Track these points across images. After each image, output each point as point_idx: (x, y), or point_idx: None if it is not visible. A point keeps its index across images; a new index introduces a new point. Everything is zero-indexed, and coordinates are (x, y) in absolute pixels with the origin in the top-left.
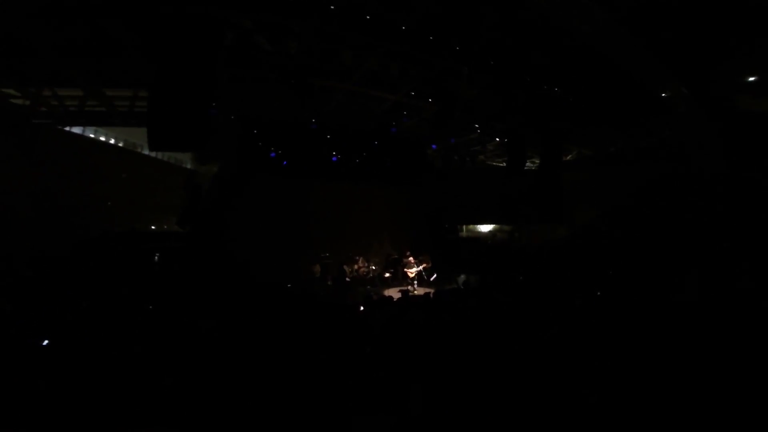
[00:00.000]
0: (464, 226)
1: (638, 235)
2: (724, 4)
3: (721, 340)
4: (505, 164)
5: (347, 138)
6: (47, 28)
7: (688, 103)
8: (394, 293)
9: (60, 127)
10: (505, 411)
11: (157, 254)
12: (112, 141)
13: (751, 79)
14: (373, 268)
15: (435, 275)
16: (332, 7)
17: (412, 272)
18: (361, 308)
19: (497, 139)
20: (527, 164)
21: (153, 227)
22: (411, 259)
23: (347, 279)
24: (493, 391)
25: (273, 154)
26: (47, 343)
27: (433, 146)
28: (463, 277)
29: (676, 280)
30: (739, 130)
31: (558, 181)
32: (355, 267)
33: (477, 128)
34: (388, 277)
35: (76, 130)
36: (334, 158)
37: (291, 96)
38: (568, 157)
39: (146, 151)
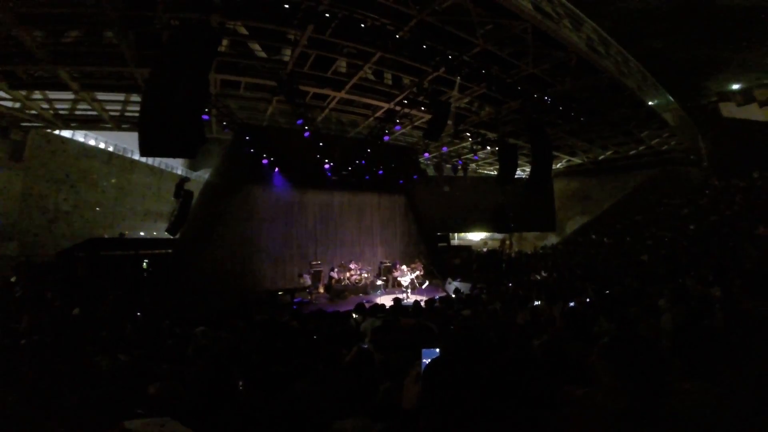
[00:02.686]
0: (456, 234)
1: (628, 243)
2: (711, 17)
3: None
4: (496, 173)
5: (340, 145)
6: (41, 32)
7: (676, 112)
8: (386, 301)
9: (49, 130)
10: (495, 414)
11: (146, 261)
12: (102, 145)
13: (735, 87)
14: (366, 275)
15: (426, 282)
16: (327, 15)
17: (405, 280)
18: (354, 315)
19: (488, 148)
20: (518, 173)
21: (142, 233)
22: (404, 267)
23: (339, 286)
24: (483, 395)
25: (265, 162)
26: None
27: (426, 154)
28: (454, 284)
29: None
30: (724, 138)
31: (549, 190)
32: (348, 274)
33: (469, 137)
34: (380, 285)
35: (66, 133)
36: (326, 166)
37: (285, 103)
38: (558, 166)
39: (137, 156)
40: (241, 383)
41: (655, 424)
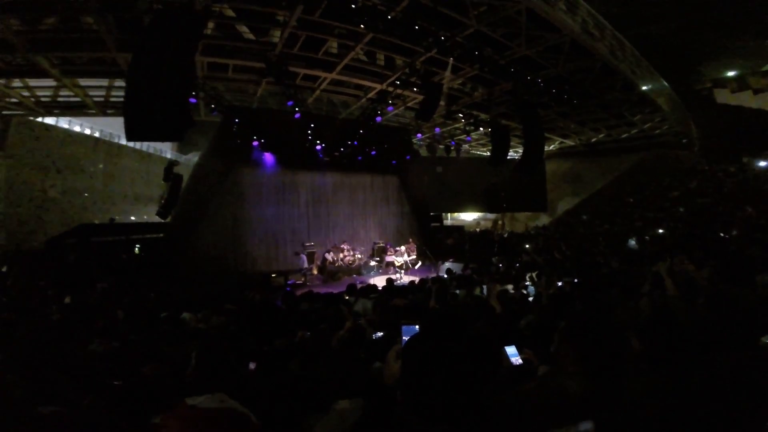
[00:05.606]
0: (449, 214)
1: (617, 224)
2: (711, 3)
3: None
4: (488, 153)
5: (332, 127)
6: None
7: (669, 97)
8: (380, 282)
9: (32, 117)
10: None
11: (138, 246)
12: (88, 131)
13: (731, 74)
14: (359, 256)
15: (420, 263)
16: None
17: (399, 261)
18: (346, 297)
19: (481, 129)
20: (510, 154)
21: (133, 218)
22: (402, 248)
23: (333, 268)
24: (459, 370)
25: (256, 144)
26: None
27: (418, 135)
28: (446, 265)
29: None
30: (716, 123)
31: (541, 171)
32: (341, 255)
33: (461, 118)
34: (374, 265)
35: (50, 120)
36: (318, 147)
37: (274, 84)
38: (551, 147)
39: (124, 141)
40: (252, 364)
41: (611, 409)
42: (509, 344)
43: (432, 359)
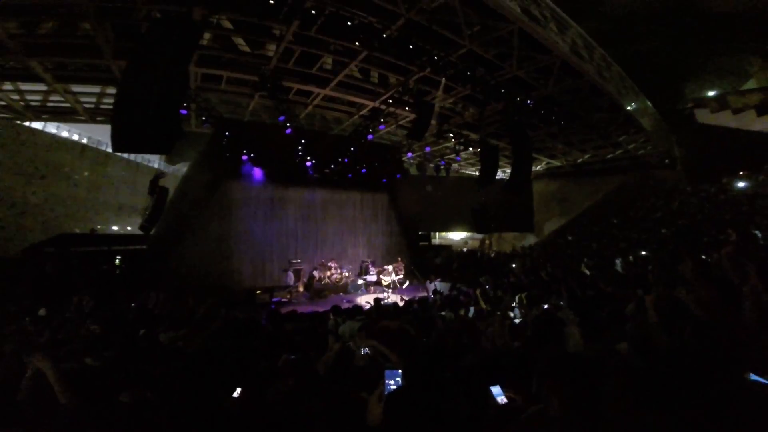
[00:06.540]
0: (437, 234)
1: (603, 245)
2: (690, 21)
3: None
4: (477, 173)
5: (323, 143)
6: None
7: (653, 117)
8: (367, 300)
9: (18, 121)
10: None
11: (119, 257)
12: (75, 137)
13: (711, 94)
14: (346, 274)
15: (407, 282)
16: (313, 11)
17: (386, 280)
18: (331, 317)
19: (470, 149)
20: (498, 174)
21: (115, 228)
22: (390, 267)
23: (319, 285)
24: (453, 401)
25: (245, 158)
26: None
27: (409, 154)
28: (434, 284)
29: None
30: (698, 143)
31: (528, 191)
32: (328, 273)
33: (452, 137)
34: (361, 284)
35: (37, 125)
36: (309, 163)
37: (267, 98)
38: (538, 168)
39: (111, 149)
40: (239, 390)
41: None
42: (494, 383)
43: (416, 414)
